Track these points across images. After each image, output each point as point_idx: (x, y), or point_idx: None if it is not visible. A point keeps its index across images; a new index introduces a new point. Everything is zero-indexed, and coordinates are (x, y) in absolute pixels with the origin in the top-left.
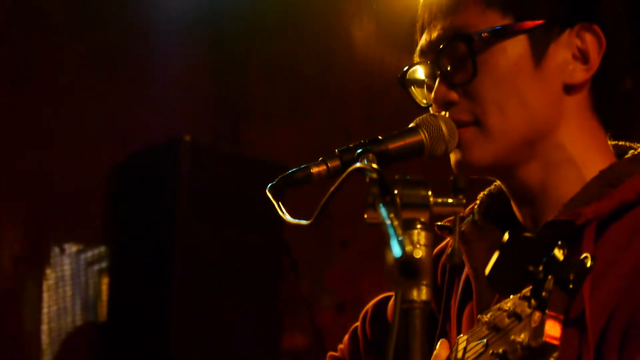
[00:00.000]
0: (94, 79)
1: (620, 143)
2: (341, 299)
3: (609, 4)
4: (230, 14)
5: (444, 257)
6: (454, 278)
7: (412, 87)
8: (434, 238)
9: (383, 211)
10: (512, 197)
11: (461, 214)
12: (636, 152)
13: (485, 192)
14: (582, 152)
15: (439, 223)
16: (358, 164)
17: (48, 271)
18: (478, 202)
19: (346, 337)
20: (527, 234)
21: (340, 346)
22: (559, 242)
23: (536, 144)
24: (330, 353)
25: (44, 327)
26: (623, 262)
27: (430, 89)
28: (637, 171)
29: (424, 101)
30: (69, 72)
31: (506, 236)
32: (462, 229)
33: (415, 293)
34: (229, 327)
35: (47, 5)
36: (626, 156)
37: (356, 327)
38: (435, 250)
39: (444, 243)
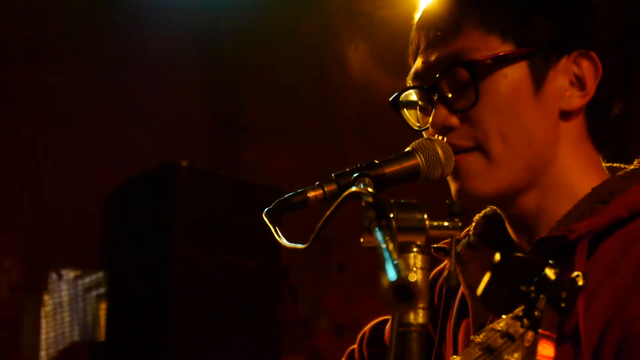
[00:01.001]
0: (91, 106)
1: (615, 165)
2: (339, 322)
3: (603, 31)
4: (226, 39)
5: (441, 280)
6: (450, 299)
7: (405, 109)
8: (431, 260)
9: (379, 235)
10: (508, 221)
11: (457, 237)
12: (628, 170)
13: (481, 215)
14: (579, 177)
15: (435, 245)
16: (354, 188)
17: (46, 297)
18: (474, 224)
19: (342, 359)
20: (519, 254)
21: None
22: (550, 262)
23: (536, 172)
24: None
25: (43, 353)
26: (616, 278)
27: (424, 112)
28: (628, 187)
29: (417, 124)
30: (66, 100)
31: (497, 256)
32: (458, 250)
33: (412, 316)
34: (228, 351)
35: (44, 32)
36: (618, 173)
37: (353, 350)
38: (434, 272)
39: (442, 265)
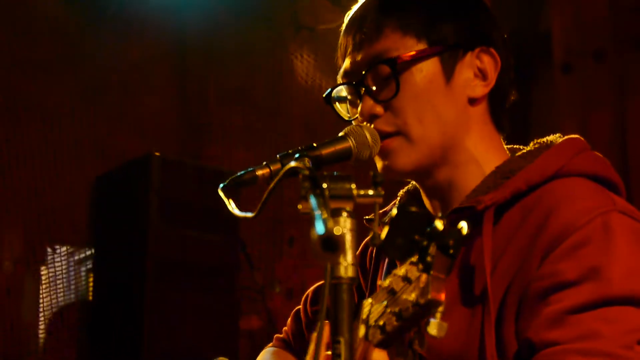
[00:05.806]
0: (78, 108)
1: (515, 146)
2: (289, 287)
3: (499, 31)
4: (193, 50)
5: (371, 246)
6: (379, 260)
7: (337, 103)
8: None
9: (313, 201)
10: (424, 193)
11: (385, 209)
12: (525, 151)
13: (404, 190)
14: (483, 153)
15: (366, 217)
16: (293, 163)
17: (43, 269)
18: (399, 198)
19: (289, 319)
20: (413, 209)
21: (285, 328)
22: (439, 214)
23: (448, 149)
24: (277, 335)
25: (41, 316)
26: (517, 241)
27: (353, 105)
28: (526, 165)
29: (348, 115)
30: (57, 103)
31: (394, 211)
32: (386, 220)
33: (342, 270)
34: (195, 313)
35: (40, 48)
36: (517, 154)
37: (298, 310)
38: (365, 241)
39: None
